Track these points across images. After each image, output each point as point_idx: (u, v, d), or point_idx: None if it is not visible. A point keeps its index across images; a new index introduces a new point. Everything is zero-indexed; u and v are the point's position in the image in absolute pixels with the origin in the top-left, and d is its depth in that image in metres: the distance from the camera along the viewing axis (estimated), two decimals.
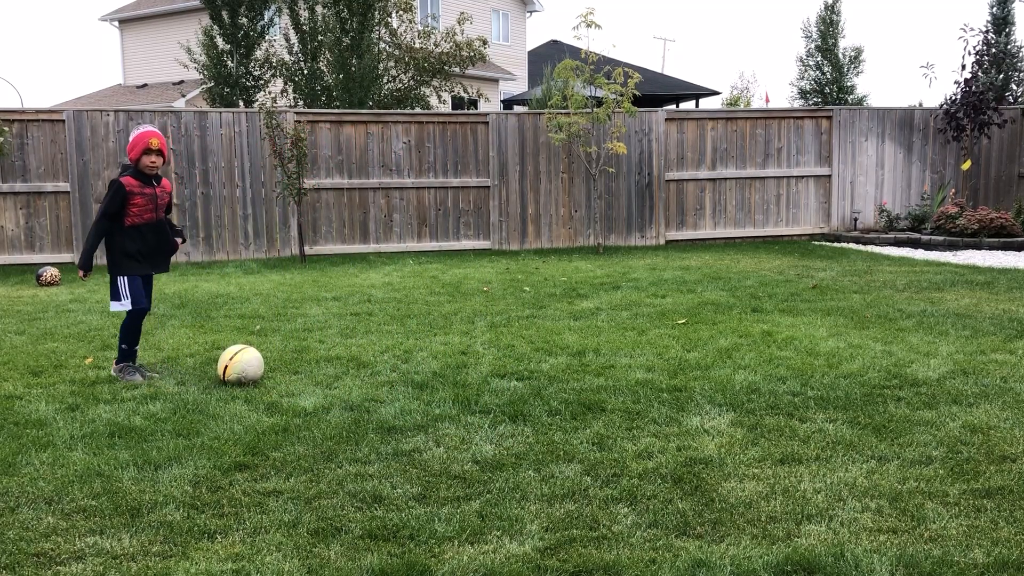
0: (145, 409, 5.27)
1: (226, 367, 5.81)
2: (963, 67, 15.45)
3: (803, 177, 15.55)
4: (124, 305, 5.94)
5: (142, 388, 5.78)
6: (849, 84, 41.93)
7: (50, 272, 11.07)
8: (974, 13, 74.96)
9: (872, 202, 15.77)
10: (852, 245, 14.66)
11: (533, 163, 14.66)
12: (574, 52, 19.17)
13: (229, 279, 11.32)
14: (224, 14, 19.57)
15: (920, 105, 17.34)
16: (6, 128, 12.79)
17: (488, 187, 14.59)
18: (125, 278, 5.93)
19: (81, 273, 5.89)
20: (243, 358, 5.81)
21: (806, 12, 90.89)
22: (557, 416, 5.03)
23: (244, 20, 19.73)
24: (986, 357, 6.29)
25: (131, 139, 5.96)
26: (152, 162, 5.93)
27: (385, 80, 20.42)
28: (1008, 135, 15.97)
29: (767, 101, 30.82)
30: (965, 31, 15.55)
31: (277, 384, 5.86)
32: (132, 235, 5.96)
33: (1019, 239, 13.46)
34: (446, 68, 21.07)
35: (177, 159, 13.49)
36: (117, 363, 6.07)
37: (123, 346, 6.01)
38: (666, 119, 15.02)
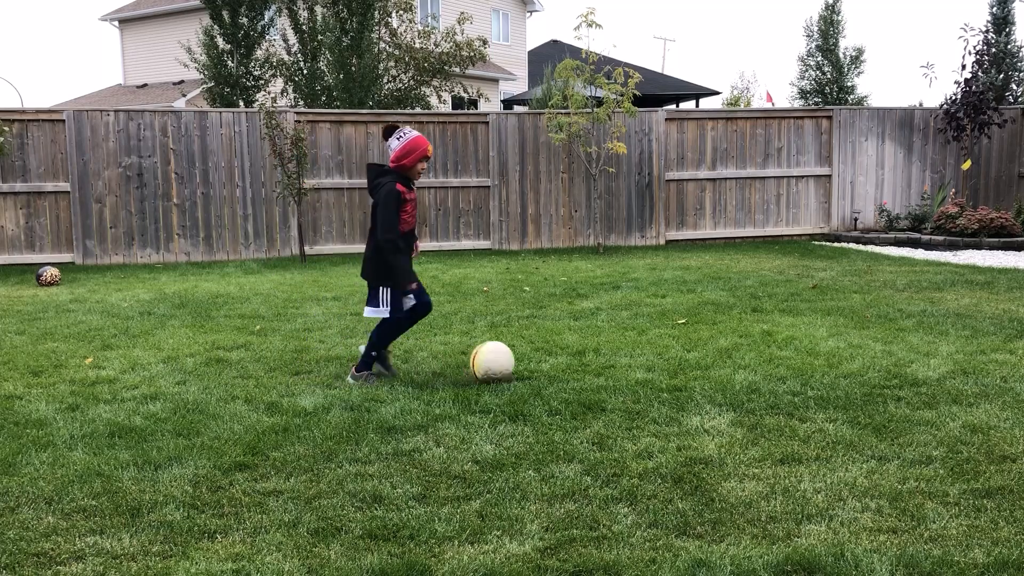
0: (145, 409, 5.27)
1: (474, 366, 5.79)
2: (963, 67, 15.44)
3: (803, 177, 15.55)
4: (382, 312, 5.79)
5: (141, 388, 5.78)
6: (849, 84, 41.89)
7: (50, 272, 11.07)
8: (974, 13, 74.97)
9: (872, 202, 15.77)
10: (852, 245, 14.67)
11: (533, 163, 14.66)
12: (574, 52, 19.17)
13: (229, 279, 11.32)
14: (224, 14, 19.57)
15: (920, 105, 17.34)
16: (6, 128, 12.79)
17: (488, 187, 14.59)
18: (390, 288, 5.76)
19: (414, 285, 5.75)
20: (483, 358, 5.74)
21: (806, 12, 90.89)
22: (557, 416, 5.03)
23: (244, 20, 19.73)
24: (986, 357, 6.29)
25: (404, 144, 5.72)
26: (423, 168, 5.84)
27: (385, 80, 20.42)
28: (1008, 135, 15.97)
29: (769, 100, 30.79)
30: (965, 31, 15.55)
31: (277, 384, 5.86)
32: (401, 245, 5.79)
33: (1019, 239, 13.46)
34: (446, 68, 21.08)
35: (177, 159, 13.50)
36: (358, 370, 5.90)
37: (371, 353, 5.88)
38: (666, 119, 15.02)
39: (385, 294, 5.77)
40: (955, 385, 5.55)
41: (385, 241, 5.66)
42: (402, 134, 5.76)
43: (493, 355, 5.76)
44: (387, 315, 5.78)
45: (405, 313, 5.85)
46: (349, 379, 5.87)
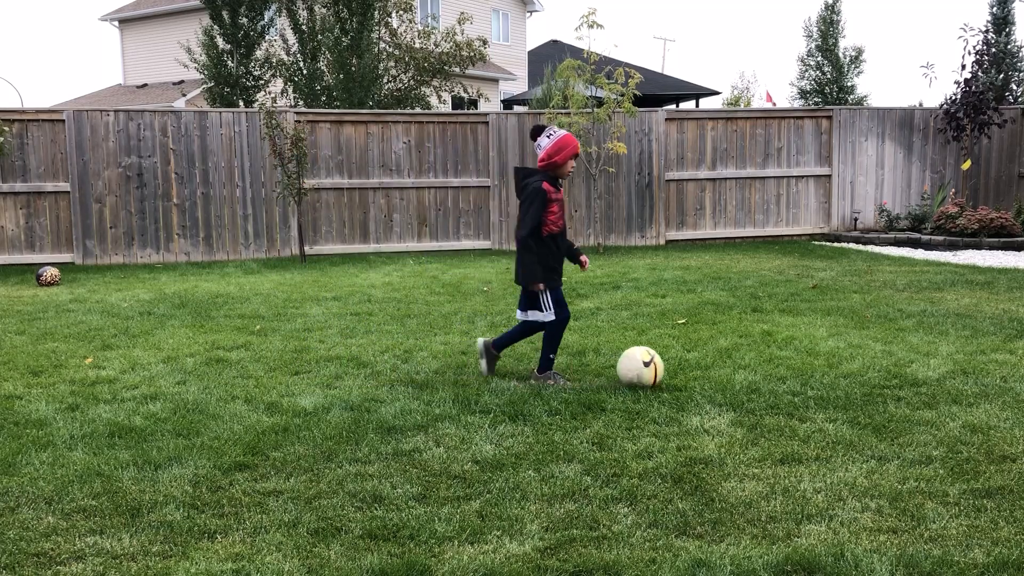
0: (145, 409, 5.27)
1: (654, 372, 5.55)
2: (963, 67, 15.44)
3: (803, 177, 15.55)
4: (547, 316, 5.73)
5: (141, 388, 5.78)
6: (849, 84, 41.92)
7: (50, 272, 11.07)
8: (974, 13, 74.99)
9: (872, 202, 15.77)
10: (852, 245, 14.66)
11: (533, 163, 14.65)
12: (574, 52, 19.19)
13: (229, 279, 11.32)
14: (224, 14, 19.58)
15: (920, 105, 17.35)
16: (6, 128, 12.79)
17: (488, 187, 14.59)
18: (548, 291, 5.71)
19: (541, 285, 5.67)
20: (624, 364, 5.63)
21: (806, 12, 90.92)
22: (557, 416, 5.03)
23: (244, 20, 19.74)
24: (986, 357, 6.29)
25: (554, 141, 5.65)
26: (573, 167, 5.77)
27: (385, 80, 20.42)
28: (1008, 135, 15.97)
29: (768, 100, 30.77)
30: (965, 31, 15.55)
31: (277, 384, 5.86)
32: (549, 245, 5.70)
33: (1019, 239, 13.46)
34: (446, 68, 21.08)
35: (177, 159, 13.49)
36: (540, 372, 5.87)
37: (549, 356, 5.82)
38: (666, 119, 15.02)
39: (546, 297, 5.71)
40: (955, 385, 5.55)
41: (519, 238, 5.65)
42: (551, 132, 5.70)
43: (628, 364, 5.63)
44: (551, 318, 5.73)
45: (563, 313, 5.78)
46: (532, 381, 5.82)
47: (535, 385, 5.69)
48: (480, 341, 6.07)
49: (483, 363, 6.02)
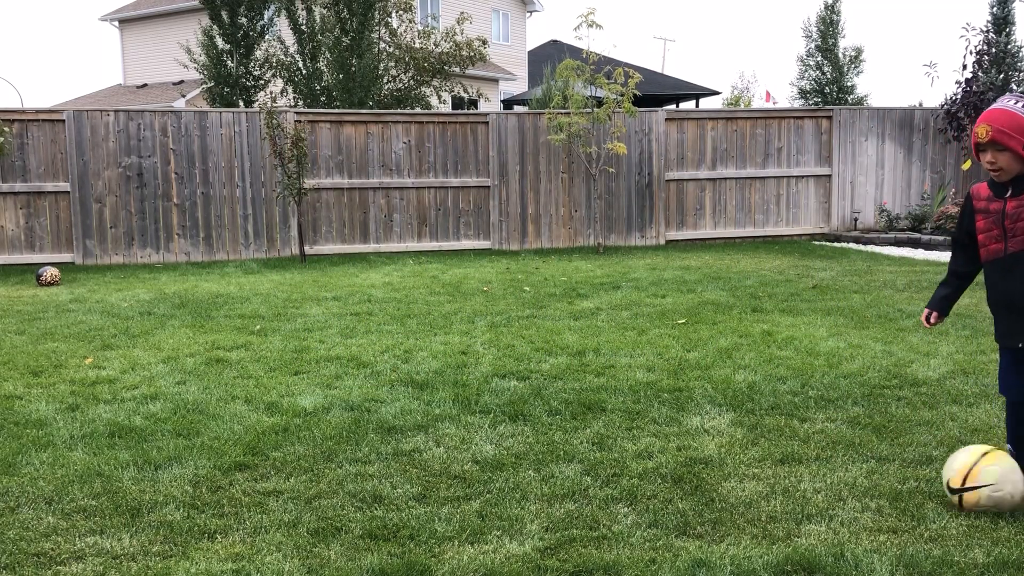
0: (145, 409, 5.27)
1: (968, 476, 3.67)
2: (964, 67, 15.44)
3: (803, 177, 15.54)
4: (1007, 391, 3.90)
5: (141, 388, 5.78)
6: (849, 84, 41.92)
7: (50, 272, 11.07)
8: (974, 13, 74.96)
9: (872, 202, 15.77)
10: (852, 245, 14.66)
11: (533, 163, 14.66)
12: (574, 52, 19.17)
13: (229, 279, 11.32)
14: (224, 14, 19.57)
15: (920, 105, 17.35)
16: (6, 128, 12.78)
17: (488, 187, 14.59)
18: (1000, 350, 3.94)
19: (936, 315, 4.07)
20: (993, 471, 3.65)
21: (806, 12, 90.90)
22: (557, 416, 5.03)
23: (244, 20, 19.73)
24: (986, 357, 6.29)
25: None
26: (989, 162, 3.69)
27: (385, 80, 20.41)
28: None
29: (768, 99, 30.76)
30: (967, 30, 15.55)
31: (277, 384, 5.86)
32: (987, 276, 3.88)
33: None
34: (446, 68, 21.07)
35: (177, 159, 13.49)
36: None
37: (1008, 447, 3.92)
38: (666, 119, 15.01)
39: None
40: (955, 385, 5.55)
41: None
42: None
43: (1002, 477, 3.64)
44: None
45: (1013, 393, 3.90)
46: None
47: (535, 385, 5.68)
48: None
49: None
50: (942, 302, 4.10)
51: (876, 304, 8.55)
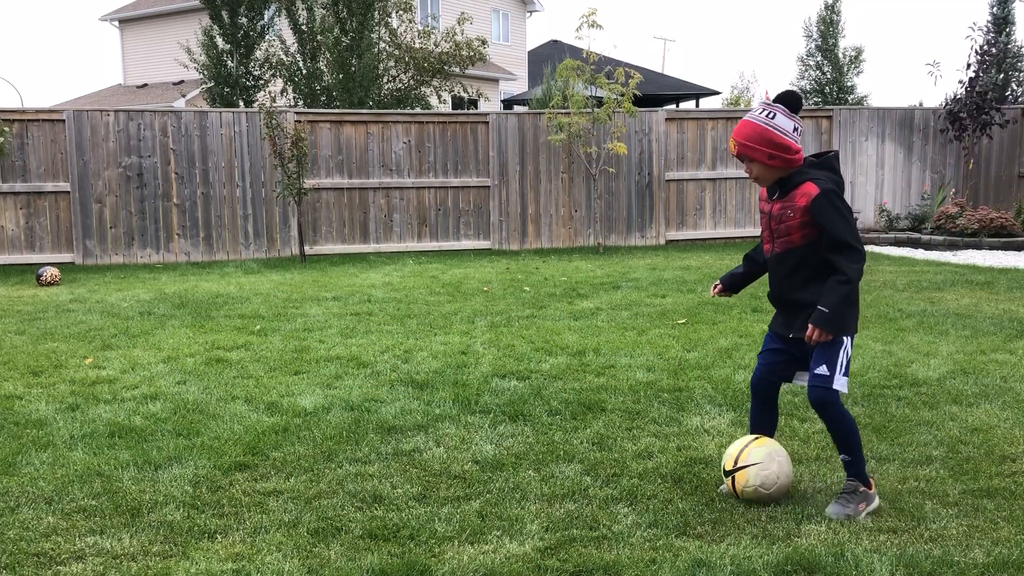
0: (145, 409, 5.27)
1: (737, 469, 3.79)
2: (969, 66, 15.43)
3: None
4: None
5: (141, 388, 5.78)
6: (849, 84, 41.94)
7: (50, 272, 11.07)
8: (974, 13, 74.95)
9: (872, 202, 15.77)
10: None
11: (533, 163, 14.66)
12: (574, 52, 19.17)
13: (229, 279, 11.32)
14: (224, 14, 19.58)
15: (920, 105, 17.36)
16: (6, 128, 12.78)
17: (488, 187, 14.59)
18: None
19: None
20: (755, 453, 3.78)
21: (806, 12, 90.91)
22: (557, 416, 5.03)
23: (244, 20, 19.73)
24: (986, 357, 6.29)
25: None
26: (747, 171, 3.83)
27: (385, 80, 20.41)
28: (1008, 135, 15.96)
29: (767, 98, 30.76)
30: (973, 30, 15.56)
31: (277, 384, 5.86)
32: (768, 270, 3.94)
33: (1019, 239, 13.46)
34: (446, 68, 21.06)
35: (177, 159, 13.49)
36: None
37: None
38: (666, 119, 15.01)
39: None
40: (955, 385, 5.55)
41: (853, 264, 3.64)
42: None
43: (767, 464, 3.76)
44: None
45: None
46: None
47: (535, 385, 5.68)
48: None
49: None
50: (732, 277, 4.14)
51: (876, 304, 8.55)
